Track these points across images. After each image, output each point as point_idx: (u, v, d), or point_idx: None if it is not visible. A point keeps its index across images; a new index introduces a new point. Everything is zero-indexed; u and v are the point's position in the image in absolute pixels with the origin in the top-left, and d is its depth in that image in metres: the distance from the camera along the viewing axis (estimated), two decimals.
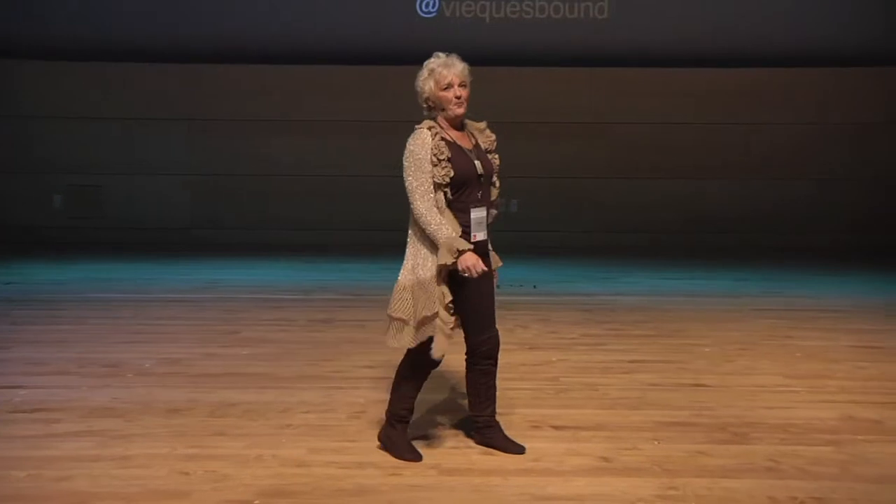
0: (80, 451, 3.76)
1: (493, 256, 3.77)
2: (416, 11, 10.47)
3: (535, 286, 7.79)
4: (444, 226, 3.48)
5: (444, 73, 3.54)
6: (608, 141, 10.53)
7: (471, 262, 3.42)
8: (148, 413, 4.30)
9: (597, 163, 10.48)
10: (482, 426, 3.85)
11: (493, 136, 3.75)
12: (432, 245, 3.52)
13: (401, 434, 3.78)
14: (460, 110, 3.59)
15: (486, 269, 3.51)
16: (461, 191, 3.55)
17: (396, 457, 3.71)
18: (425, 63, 3.63)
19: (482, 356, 3.73)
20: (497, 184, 3.73)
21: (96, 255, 9.68)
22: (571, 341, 5.82)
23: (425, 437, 3.98)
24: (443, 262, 3.45)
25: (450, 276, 3.53)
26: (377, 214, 10.69)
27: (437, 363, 3.70)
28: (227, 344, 5.78)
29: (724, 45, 10.43)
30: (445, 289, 3.54)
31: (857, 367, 5.23)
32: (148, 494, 3.34)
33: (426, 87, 3.60)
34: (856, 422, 4.23)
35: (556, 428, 4.11)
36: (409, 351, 3.74)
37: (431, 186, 3.51)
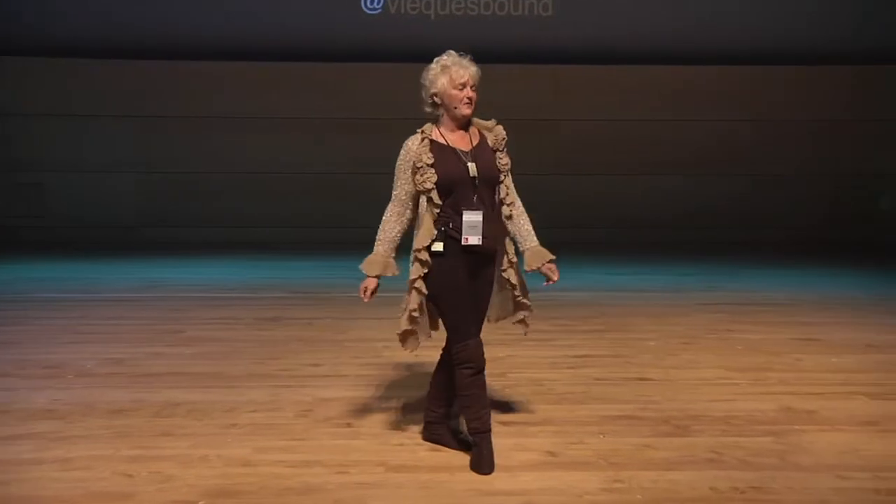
0: (20, 455, 3.68)
1: (526, 255, 3.68)
2: (361, 8, 10.43)
3: None
4: (381, 242, 3.64)
5: (460, 73, 3.46)
6: (553, 137, 10.61)
7: (362, 287, 3.62)
8: (90, 415, 4.22)
9: (542, 159, 10.55)
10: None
11: (503, 135, 3.64)
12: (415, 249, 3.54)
13: (481, 446, 3.59)
14: (468, 111, 3.51)
15: (368, 297, 3.60)
16: (451, 194, 3.47)
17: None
18: (437, 59, 3.53)
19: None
20: (507, 182, 3.61)
21: (40, 254, 9.48)
22: (518, 337, 5.78)
23: (372, 436, 3.97)
24: (372, 274, 3.64)
25: (424, 282, 3.54)
26: (327, 212, 10.66)
27: (480, 367, 3.60)
28: (173, 343, 5.70)
29: (669, 43, 10.59)
30: (414, 295, 3.57)
31: (795, 360, 5.35)
32: (90, 497, 3.28)
33: (439, 83, 3.49)
34: (794, 413, 4.33)
35: (504, 423, 4.13)
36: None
37: (406, 195, 3.55)
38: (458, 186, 3.47)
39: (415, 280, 3.55)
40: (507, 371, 5.05)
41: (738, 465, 3.63)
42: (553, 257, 3.65)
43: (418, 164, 3.48)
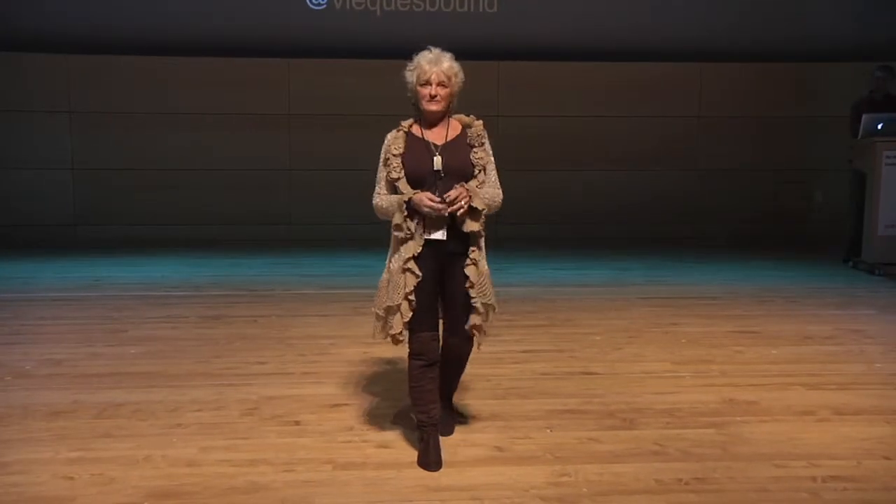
0: None
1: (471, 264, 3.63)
2: (306, 3, 10.35)
3: None
4: (392, 196, 3.57)
5: (425, 69, 3.53)
6: (498, 133, 10.63)
7: (422, 199, 3.45)
8: (28, 417, 4.13)
9: None
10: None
11: (481, 130, 3.68)
12: (399, 240, 3.56)
13: (428, 440, 3.62)
14: (433, 107, 3.56)
15: (433, 199, 3.45)
16: (419, 188, 3.51)
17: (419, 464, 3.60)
18: (415, 56, 3.61)
19: (443, 356, 3.76)
20: (480, 177, 3.61)
21: None
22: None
23: (319, 433, 3.96)
24: (397, 222, 3.51)
25: (417, 264, 3.54)
26: (270, 209, 10.55)
27: (430, 360, 3.65)
28: (114, 343, 5.60)
29: (613, 40, 10.70)
30: (409, 277, 3.53)
31: (735, 352, 5.46)
32: (27, 501, 3.21)
33: (410, 80, 3.60)
34: (735, 404, 4.43)
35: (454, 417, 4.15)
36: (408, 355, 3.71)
37: (387, 186, 3.61)
38: (424, 179, 3.53)
39: (408, 260, 3.52)
40: None
41: (682, 457, 3.70)
42: (471, 188, 3.54)
43: (387, 155, 3.59)
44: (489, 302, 3.68)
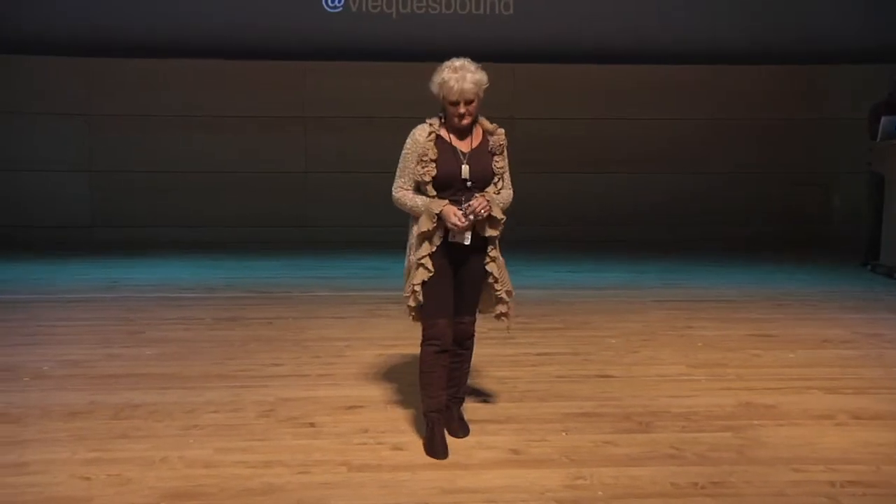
0: None
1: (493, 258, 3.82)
2: (322, 6, 10.37)
3: None
4: (418, 198, 3.67)
5: (452, 90, 3.58)
6: (515, 136, 10.60)
7: (449, 215, 3.58)
8: (46, 417, 4.15)
9: None
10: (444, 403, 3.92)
11: (503, 140, 3.79)
12: (419, 237, 3.69)
13: (433, 428, 3.78)
14: (464, 123, 3.67)
15: (458, 217, 3.56)
16: (444, 192, 3.66)
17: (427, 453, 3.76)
18: (443, 65, 3.65)
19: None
20: (500, 185, 3.76)
21: None
22: (480, 335, 5.79)
23: (335, 435, 3.96)
24: (424, 229, 3.62)
25: (432, 260, 3.67)
26: (286, 211, 10.57)
27: (444, 346, 3.78)
28: (130, 344, 5.62)
29: (625, 43, 10.67)
30: (423, 272, 3.67)
31: (752, 355, 5.43)
32: (45, 501, 3.23)
33: (436, 93, 3.66)
34: (752, 407, 4.40)
35: (466, 421, 4.14)
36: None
37: (411, 183, 3.70)
38: (451, 185, 3.66)
39: (422, 257, 3.67)
40: (468, 369, 5.05)
41: (698, 461, 3.68)
42: (490, 198, 3.69)
43: (423, 157, 3.64)
44: (510, 289, 3.90)
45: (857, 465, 3.65)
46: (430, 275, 3.68)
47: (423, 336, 3.80)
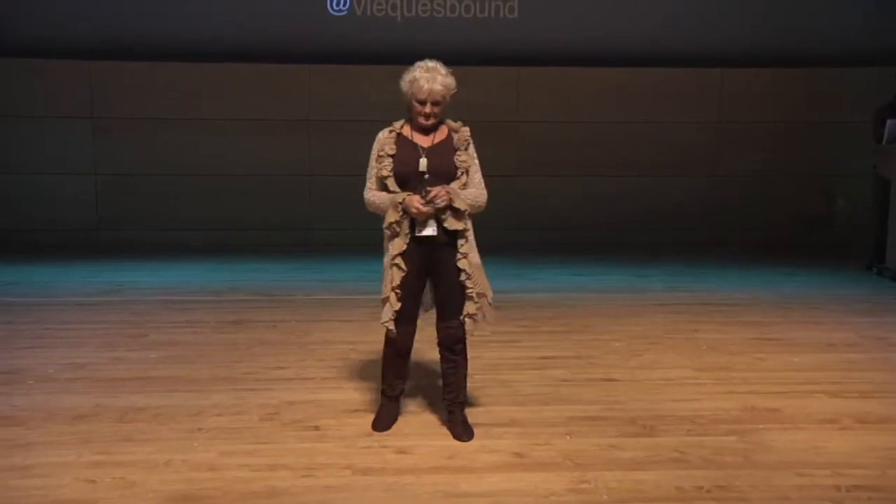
0: None
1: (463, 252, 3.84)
2: (327, 9, 10.39)
3: None
4: (383, 194, 3.82)
5: (421, 89, 3.72)
6: (517, 139, 10.64)
7: (411, 202, 3.70)
8: (51, 420, 4.16)
9: (505, 161, 10.58)
10: (446, 409, 4.12)
11: (466, 136, 3.89)
12: (388, 237, 3.84)
13: (382, 407, 4.15)
14: (426, 123, 3.80)
15: (421, 202, 3.68)
16: (405, 187, 3.78)
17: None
18: (414, 66, 3.78)
19: (438, 344, 4.06)
20: (464, 181, 3.82)
21: None
22: (484, 339, 5.85)
23: (339, 438, 3.97)
24: (390, 220, 3.76)
25: (404, 260, 3.80)
26: (289, 214, 10.59)
27: (402, 351, 4.02)
28: (135, 347, 5.63)
29: (632, 46, 10.67)
30: (396, 272, 3.82)
31: (757, 359, 5.42)
32: None
33: (405, 91, 3.79)
34: (756, 411, 4.39)
35: (470, 425, 4.14)
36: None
37: (377, 182, 3.86)
38: (410, 178, 3.78)
39: (395, 256, 3.80)
40: (473, 373, 5.03)
41: (703, 465, 3.68)
42: (451, 189, 3.76)
43: (381, 153, 3.83)
44: (482, 291, 3.91)
45: (863, 469, 3.65)
46: (404, 274, 3.81)
47: (385, 335, 3.99)
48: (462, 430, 3.99)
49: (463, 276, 3.83)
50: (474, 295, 3.86)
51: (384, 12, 10.39)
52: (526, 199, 10.69)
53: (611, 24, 10.63)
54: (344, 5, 10.39)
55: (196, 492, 3.36)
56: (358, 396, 4.59)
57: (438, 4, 10.43)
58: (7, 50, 10.10)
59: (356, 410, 4.36)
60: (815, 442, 3.97)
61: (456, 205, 3.73)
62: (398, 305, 3.84)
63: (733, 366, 5.27)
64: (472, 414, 4.26)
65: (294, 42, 10.38)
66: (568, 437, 4.00)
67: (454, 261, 3.83)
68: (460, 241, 3.82)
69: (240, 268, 8.99)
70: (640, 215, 10.79)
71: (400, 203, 3.73)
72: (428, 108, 3.75)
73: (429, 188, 3.70)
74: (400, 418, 4.21)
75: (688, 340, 5.92)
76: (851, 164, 10.46)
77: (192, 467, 3.60)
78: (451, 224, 3.76)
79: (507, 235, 10.41)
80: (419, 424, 4.14)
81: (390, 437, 3.98)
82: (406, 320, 3.92)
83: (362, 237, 10.22)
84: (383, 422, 4.09)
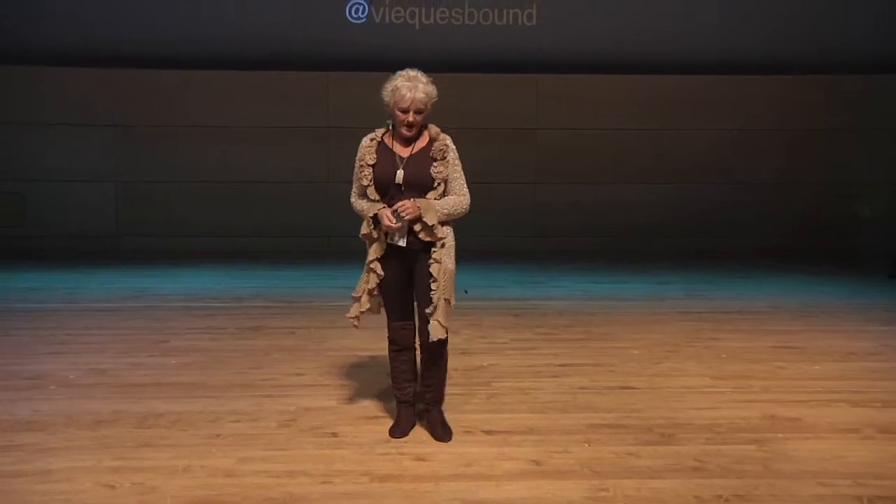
0: (0, 468, 3.65)
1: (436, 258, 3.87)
2: (346, 17, 10.44)
3: (465, 291, 7.81)
4: (364, 202, 3.95)
5: (405, 97, 3.78)
6: (535, 146, 10.64)
7: (382, 217, 3.81)
8: (72, 426, 4.19)
9: (523, 168, 10.58)
10: (424, 408, 4.21)
11: (444, 146, 3.89)
12: (368, 241, 3.97)
13: (399, 413, 4.18)
14: (408, 133, 3.85)
15: (389, 217, 3.78)
16: (384, 196, 3.87)
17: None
18: (394, 75, 3.86)
19: (419, 344, 4.09)
20: (441, 190, 3.85)
21: (18, 264, 9.39)
22: (502, 346, 5.87)
23: (356, 445, 3.97)
24: (363, 231, 3.93)
25: (381, 264, 3.95)
26: (308, 221, 10.62)
27: (401, 345, 4.12)
28: (155, 353, 5.67)
29: (650, 53, 10.64)
30: (372, 276, 3.98)
31: (777, 368, 5.39)
32: None
33: (388, 101, 3.85)
34: (777, 420, 4.36)
35: (488, 433, 4.14)
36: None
37: (361, 188, 3.95)
38: (388, 188, 3.86)
39: (372, 261, 3.97)
40: (491, 380, 5.05)
41: (722, 473, 3.65)
42: (424, 203, 3.82)
43: (361, 163, 3.92)
44: (449, 298, 3.91)
45: (886, 479, 3.61)
46: (381, 279, 3.94)
47: (387, 336, 4.15)
48: (442, 432, 4.07)
49: (431, 280, 3.87)
50: (435, 298, 3.86)
51: (402, 20, 10.42)
52: (544, 207, 10.67)
53: (628, 32, 10.60)
54: (363, 13, 10.43)
55: (214, 497, 3.37)
56: (375, 403, 4.60)
57: (457, 12, 10.45)
58: (31, 58, 10.21)
59: (374, 417, 4.36)
60: (836, 451, 3.93)
61: (425, 219, 3.78)
62: (367, 306, 4.02)
63: (753, 374, 5.23)
64: (490, 421, 4.27)
65: (314, 49, 10.42)
66: (586, 445, 3.99)
67: (427, 265, 3.88)
68: (434, 249, 3.87)
69: (259, 274, 9.03)
70: (660, 223, 10.75)
71: (371, 218, 3.86)
72: (410, 117, 3.80)
73: (397, 206, 3.76)
74: (418, 425, 4.21)
75: (707, 348, 5.89)
76: (871, 171, 10.39)
77: (210, 473, 3.61)
78: (424, 236, 3.84)
79: (525, 243, 10.40)
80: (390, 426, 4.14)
81: (408, 444, 3.98)
82: (398, 317, 4.07)
83: None
84: (400, 428, 4.11)
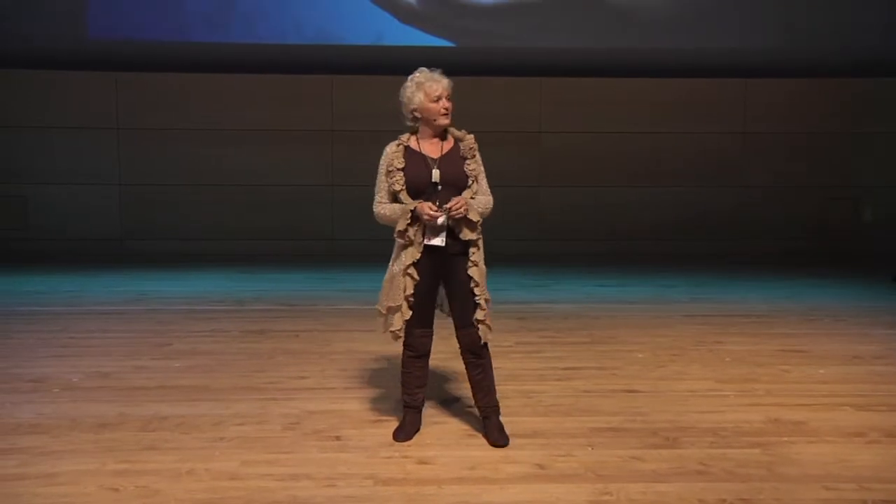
0: (4, 471, 3.65)
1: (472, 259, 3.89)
2: (349, 19, 10.44)
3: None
4: (395, 206, 3.85)
5: (434, 87, 3.79)
6: (540, 150, 10.64)
7: (423, 210, 3.73)
8: (75, 429, 4.19)
9: (528, 171, 10.58)
10: (481, 416, 4.15)
11: (472, 144, 3.93)
12: (401, 245, 3.87)
13: (405, 417, 4.14)
14: (446, 121, 3.86)
15: (433, 208, 3.72)
16: (418, 196, 3.81)
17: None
18: (410, 77, 3.87)
19: (461, 350, 4.06)
20: (474, 189, 3.88)
21: (22, 267, 9.40)
22: (506, 349, 5.85)
23: (361, 448, 3.97)
24: (400, 228, 3.80)
25: (416, 269, 3.84)
26: (311, 224, 10.63)
27: (419, 353, 4.04)
28: (159, 356, 5.67)
29: (655, 56, 10.64)
30: (409, 281, 3.85)
31: (782, 371, 5.37)
32: None
33: (415, 99, 3.83)
34: (781, 424, 4.35)
35: (505, 431, 4.13)
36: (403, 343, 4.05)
37: (386, 195, 3.89)
38: (423, 190, 3.81)
39: (408, 266, 3.84)
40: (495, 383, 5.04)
41: (727, 477, 3.64)
42: (468, 201, 3.83)
43: (390, 168, 3.85)
44: (488, 297, 3.97)
45: (890, 483, 3.59)
46: (417, 283, 3.85)
47: (403, 342, 4.02)
48: (498, 436, 4.01)
49: (472, 284, 3.89)
50: (482, 301, 3.92)
51: None
52: (549, 210, 10.68)
53: (634, 35, 10.60)
54: None
55: (218, 500, 3.37)
56: (379, 406, 4.59)
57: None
58: (34, 62, 10.23)
59: (378, 420, 4.36)
60: (841, 455, 3.92)
61: (469, 216, 3.79)
62: (409, 314, 3.88)
63: (758, 377, 5.22)
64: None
65: (316, 52, 10.43)
66: (590, 449, 3.98)
67: (466, 269, 3.88)
68: (472, 250, 3.88)
69: (263, 277, 9.04)
70: (665, 226, 10.74)
71: (411, 211, 3.77)
72: (447, 103, 3.81)
73: (446, 206, 3.73)
74: (422, 428, 4.20)
75: (711, 352, 5.88)
76: (875, 175, 10.37)
77: (214, 476, 3.61)
78: (465, 235, 3.83)
79: (530, 246, 10.40)
80: (441, 435, 4.14)
81: (412, 448, 3.97)
82: (422, 324, 3.98)
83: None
84: (405, 432, 4.09)
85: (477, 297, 3.90)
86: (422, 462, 3.80)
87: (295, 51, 10.40)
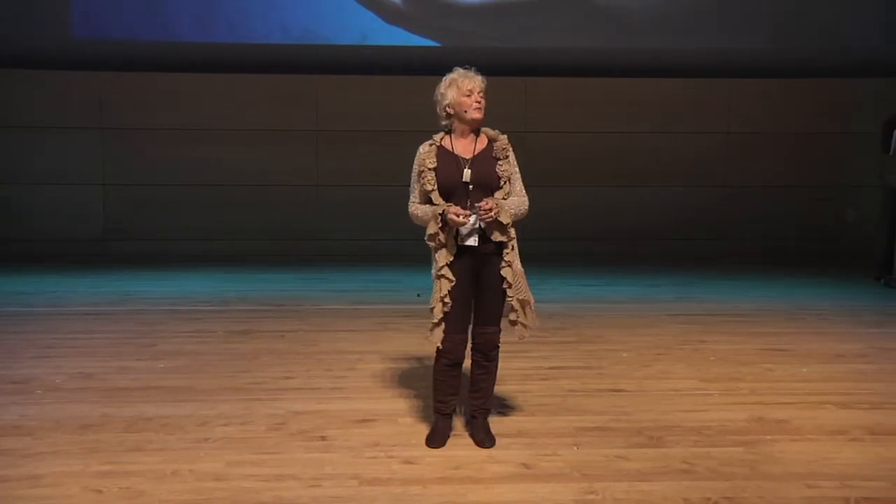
0: None
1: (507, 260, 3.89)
2: (334, 19, 10.43)
3: (418, 294, 7.49)
4: (427, 207, 3.84)
5: (466, 83, 3.81)
6: (525, 150, 10.61)
7: (451, 216, 3.70)
8: (59, 430, 4.17)
9: None
10: (468, 414, 4.15)
11: (505, 145, 3.93)
12: (434, 248, 3.84)
13: (437, 423, 4.06)
14: (478, 115, 3.84)
15: (462, 213, 3.70)
16: (450, 197, 3.79)
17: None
18: (445, 76, 3.88)
19: (473, 348, 4.03)
20: (507, 190, 3.88)
21: (4, 268, 9.33)
22: None
23: (346, 449, 3.96)
24: (431, 231, 3.79)
25: (452, 270, 3.81)
26: (297, 224, 10.60)
27: (454, 361, 3.95)
28: (143, 357, 5.64)
29: (640, 56, 10.66)
30: (444, 283, 3.81)
31: (765, 370, 5.40)
32: None
33: (449, 94, 3.84)
34: (765, 422, 4.37)
35: (492, 433, 4.13)
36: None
37: (420, 196, 3.89)
38: (455, 190, 3.79)
39: (442, 268, 3.82)
40: None
41: (711, 476, 3.66)
42: (500, 202, 3.80)
43: (422, 168, 3.84)
44: (524, 298, 3.94)
45: (873, 481, 3.62)
46: (453, 284, 3.80)
47: (438, 347, 3.90)
48: (484, 437, 4.01)
49: (505, 285, 3.88)
50: (514, 302, 3.91)
51: None
52: (534, 210, 10.59)
53: (619, 35, 10.62)
54: None
55: (203, 501, 3.36)
56: (365, 406, 4.59)
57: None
58: (17, 61, 10.16)
59: (363, 420, 4.35)
60: (824, 453, 3.94)
61: (500, 219, 3.76)
62: (441, 315, 3.82)
63: (742, 376, 5.25)
64: None
65: (301, 52, 10.41)
66: (575, 448, 3.99)
67: (498, 269, 3.87)
68: (505, 251, 3.87)
69: (247, 278, 9.01)
70: (650, 226, 10.77)
71: (440, 214, 3.74)
72: (480, 97, 3.81)
73: (477, 205, 3.71)
74: (407, 429, 4.20)
75: (696, 351, 5.90)
76: (861, 175, 10.44)
77: (199, 477, 3.60)
78: (496, 237, 3.81)
79: (517, 233, 10.40)
80: (426, 434, 4.13)
81: (397, 448, 3.97)
82: (459, 328, 3.91)
83: (369, 247, 10.27)
84: (439, 437, 4.01)
85: (509, 298, 3.89)
86: (407, 462, 3.80)
87: (280, 51, 10.37)
